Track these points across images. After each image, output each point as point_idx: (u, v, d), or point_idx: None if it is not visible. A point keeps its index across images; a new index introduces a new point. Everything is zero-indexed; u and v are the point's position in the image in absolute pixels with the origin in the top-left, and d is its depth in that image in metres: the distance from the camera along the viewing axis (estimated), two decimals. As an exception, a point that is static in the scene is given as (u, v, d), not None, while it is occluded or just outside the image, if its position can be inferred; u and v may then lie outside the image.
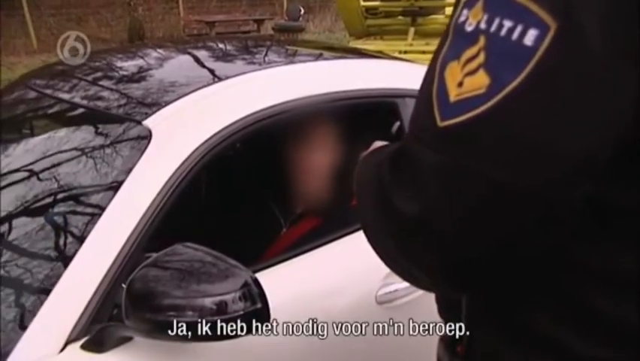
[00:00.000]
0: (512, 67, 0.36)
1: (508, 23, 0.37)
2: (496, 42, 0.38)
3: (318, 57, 1.49)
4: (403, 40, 6.70)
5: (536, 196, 0.39)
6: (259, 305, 0.79)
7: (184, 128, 1.05)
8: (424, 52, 6.29)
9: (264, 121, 1.12)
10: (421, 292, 1.18)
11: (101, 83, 1.26)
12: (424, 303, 1.19)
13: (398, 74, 1.44)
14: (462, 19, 0.41)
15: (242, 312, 0.77)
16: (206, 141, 1.02)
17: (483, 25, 0.38)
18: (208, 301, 0.77)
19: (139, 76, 1.25)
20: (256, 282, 0.80)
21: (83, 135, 1.11)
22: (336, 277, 1.14)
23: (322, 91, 1.23)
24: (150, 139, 1.01)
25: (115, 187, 0.95)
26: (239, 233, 1.33)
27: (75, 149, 1.08)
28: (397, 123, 1.36)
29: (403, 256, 0.47)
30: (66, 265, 0.87)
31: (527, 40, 0.36)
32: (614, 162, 0.39)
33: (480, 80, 0.38)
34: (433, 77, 0.42)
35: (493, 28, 0.38)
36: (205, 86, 1.14)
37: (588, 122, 0.37)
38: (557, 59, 0.35)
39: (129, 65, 1.35)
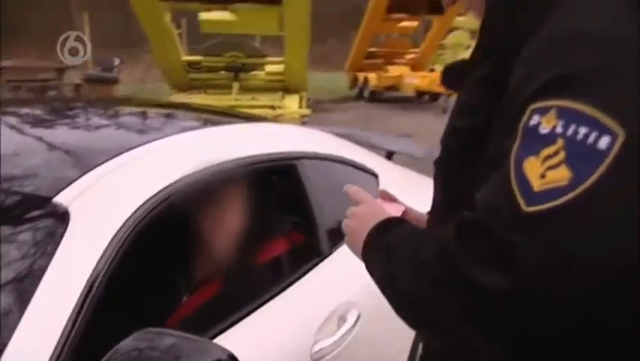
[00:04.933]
0: (590, 164, 0.45)
1: (583, 130, 0.45)
2: (574, 143, 0.46)
3: (217, 122, 1.49)
4: (228, 95, 6.89)
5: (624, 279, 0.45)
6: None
7: (104, 204, 0.95)
8: (251, 106, 6.59)
9: (182, 188, 1.08)
10: (351, 342, 1.24)
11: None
12: (357, 354, 1.26)
13: (295, 137, 1.53)
14: (533, 122, 0.48)
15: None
16: (131, 216, 0.95)
17: (559, 129, 0.46)
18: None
19: (35, 147, 1.08)
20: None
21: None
22: (268, 343, 1.13)
23: (228, 157, 1.24)
24: (68, 220, 0.89)
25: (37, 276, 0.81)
26: (143, 306, 1.22)
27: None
28: (297, 184, 1.44)
29: (473, 325, 0.50)
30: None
31: (601, 145, 0.45)
32: None
33: (562, 174, 0.46)
34: (507, 170, 0.49)
35: (570, 132, 0.46)
36: (114, 156, 1.06)
37: None
38: (628, 160, 0.44)
39: (19, 136, 1.15)
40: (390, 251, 0.64)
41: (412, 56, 12.34)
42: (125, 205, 0.96)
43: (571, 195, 0.45)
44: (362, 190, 0.81)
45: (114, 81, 8.21)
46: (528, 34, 0.52)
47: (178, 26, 8.25)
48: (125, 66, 12.69)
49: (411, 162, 2.37)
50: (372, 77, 11.73)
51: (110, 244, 0.90)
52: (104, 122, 1.36)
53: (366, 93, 12.22)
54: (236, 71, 7.19)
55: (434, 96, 11.57)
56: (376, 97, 11.96)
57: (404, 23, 11.52)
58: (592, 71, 0.47)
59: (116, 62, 8.43)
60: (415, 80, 11.27)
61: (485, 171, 0.54)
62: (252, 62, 7.34)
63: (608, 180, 0.45)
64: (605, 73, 0.47)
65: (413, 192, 1.24)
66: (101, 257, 0.87)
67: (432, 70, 13.60)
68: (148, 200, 0.99)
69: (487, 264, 0.49)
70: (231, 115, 1.85)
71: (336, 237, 1.46)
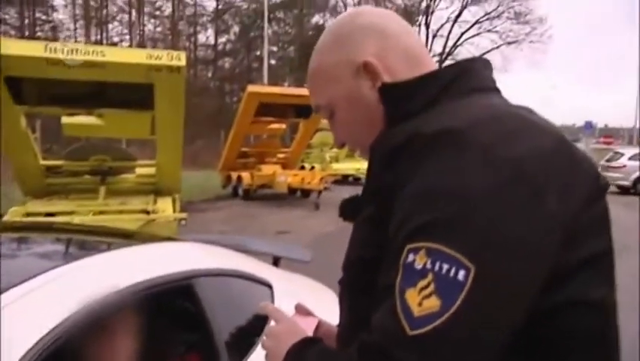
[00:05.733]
0: (453, 294, 0.56)
1: (446, 266, 0.57)
2: (440, 277, 0.57)
3: (108, 248, 1.42)
4: (94, 200, 6.41)
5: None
6: None
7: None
8: (121, 211, 6.19)
9: (72, 326, 1.02)
10: None
11: None
12: None
13: (189, 255, 1.52)
14: (410, 260, 0.59)
15: None
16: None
17: (429, 266, 0.57)
18: None
19: None
20: None
21: None
22: None
23: (118, 286, 1.18)
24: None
25: None
26: None
27: None
28: (193, 303, 1.42)
29: None
30: None
31: (460, 277, 0.56)
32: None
33: (434, 302, 0.56)
34: (393, 299, 0.59)
35: (437, 268, 0.57)
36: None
37: (504, 320, 0.58)
38: (480, 289, 0.56)
39: None
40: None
41: (282, 155, 12.96)
42: (14, 348, 0.87)
43: (441, 319, 0.56)
44: (278, 309, 0.86)
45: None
46: (400, 187, 0.65)
47: (33, 130, 7.68)
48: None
49: (294, 265, 2.46)
50: (246, 175, 11.99)
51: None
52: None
53: (240, 191, 12.38)
54: (103, 174, 6.80)
55: (305, 193, 12.12)
56: (250, 195, 12.16)
57: (273, 126, 12.18)
58: (448, 218, 0.58)
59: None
60: (288, 178, 11.76)
61: (377, 298, 0.64)
62: (121, 165, 7.03)
63: (468, 305, 0.56)
64: (458, 219, 0.58)
65: (308, 299, 1.31)
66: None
67: (302, 167, 14.36)
68: (37, 342, 0.91)
69: None
70: (121, 235, 1.78)
71: (236, 355, 1.44)
